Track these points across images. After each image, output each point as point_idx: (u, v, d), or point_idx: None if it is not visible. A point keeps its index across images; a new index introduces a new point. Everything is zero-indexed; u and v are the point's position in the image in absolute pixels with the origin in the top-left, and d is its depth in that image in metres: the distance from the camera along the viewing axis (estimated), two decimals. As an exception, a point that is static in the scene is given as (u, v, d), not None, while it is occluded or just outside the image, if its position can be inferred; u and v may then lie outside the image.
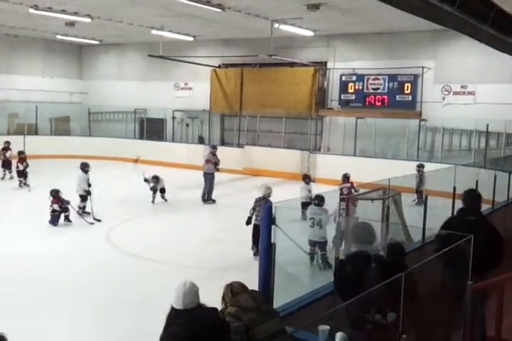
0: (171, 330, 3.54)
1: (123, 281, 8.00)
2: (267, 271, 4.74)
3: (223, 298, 4.11)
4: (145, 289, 7.63)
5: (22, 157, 15.67)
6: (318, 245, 8.46)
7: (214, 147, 15.39)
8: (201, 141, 21.89)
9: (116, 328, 6.36)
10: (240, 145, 20.60)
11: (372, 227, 4.79)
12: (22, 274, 8.06)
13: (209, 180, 14.48)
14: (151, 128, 22.80)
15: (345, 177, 12.50)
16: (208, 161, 14.69)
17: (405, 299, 3.57)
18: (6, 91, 21.58)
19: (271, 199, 9.02)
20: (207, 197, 14.33)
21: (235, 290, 4.09)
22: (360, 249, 4.57)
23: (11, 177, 16.27)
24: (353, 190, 11.58)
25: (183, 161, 20.41)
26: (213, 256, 9.36)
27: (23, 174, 15.38)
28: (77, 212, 11.86)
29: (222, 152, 20.03)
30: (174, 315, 3.62)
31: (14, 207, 12.73)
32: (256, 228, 8.83)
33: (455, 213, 6.36)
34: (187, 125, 22.49)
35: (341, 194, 11.08)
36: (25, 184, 15.30)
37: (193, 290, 3.67)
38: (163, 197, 13.95)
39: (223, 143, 21.84)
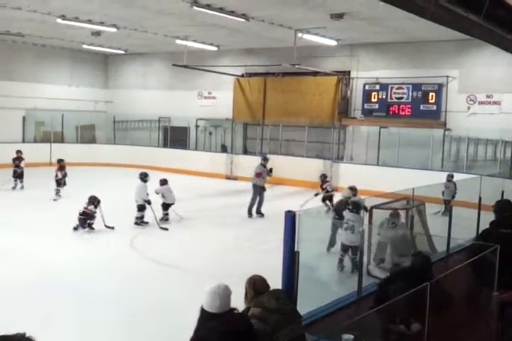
0: (201, 334, 3.50)
1: (149, 288, 8.04)
2: (291, 279, 4.74)
3: (246, 295, 4.10)
4: (170, 296, 7.66)
5: (62, 165, 15.23)
6: (350, 249, 8.56)
7: (265, 159, 14.44)
8: (224, 149, 22.02)
9: (143, 334, 6.40)
10: (262, 154, 20.61)
11: (413, 238, 4.72)
12: (51, 281, 8.13)
13: (257, 192, 13.73)
14: (175, 137, 23.00)
15: (325, 177, 14.54)
16: (258, 174, 13.89)
17: (436, 308, 3.53)
18: (34, 99, 21.99)
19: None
20: (256, 211, 13.70)
21: (257, 287, 4.07)
22: (402, 261, 4.48)
23: (22, 187, 16.03)
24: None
25: (205, 169, 20.55)
26: (237, 265, 9.32)
27: (60, 183, 14.98)
28: (135, 223, 12.04)
29: (244, 161, 20.25)
30: (206, 318, 3.57)
31: (43, 215, 12.72)
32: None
33: (487, 225, 6.22)
34: (210, 133, 22.62)
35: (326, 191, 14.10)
36: (57, 193, 14.93)
37: (226, 293, 3.62)
38: (175, 212, 12.65)
39: (246, 152, 21.93)
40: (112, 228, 11.53)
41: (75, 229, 11.35)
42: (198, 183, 18.72)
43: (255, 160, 19.28)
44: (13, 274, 8.32)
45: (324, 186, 14.23)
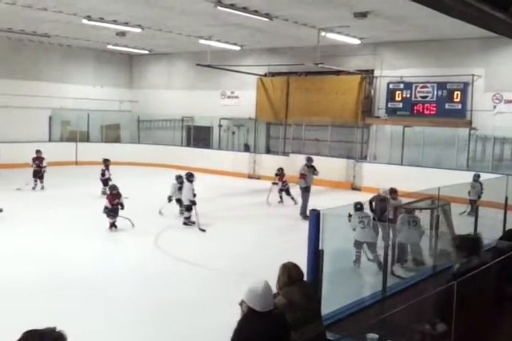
0: (247, 335, 3.45)
1: (175, 287, 8.06)
2: (315, 278, 4.75)
3: (278, 280, 4.09)
4: (197, 295, 7.66)
5: (107, 164, 15.40)
6: (367, 245, 8.68)
7: (309, 159, 14.12)
8: (247, 148, 22.07)
9: (169, 333, 6.43)
10: (285, 154, 20.64)
11: (481, 238, 4.67)
12: (75, 279, 8.22)
13: (303, 193, 13.52)
14: (198, 136, 23.18)
15: (282, 170, 15.22)
16: (301, 175, 13.64)
17: (463, 309, 3.49)
18: (60, 99, 22.33)
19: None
20: (300, 212, 13.34)
21: (291, 275, 4.05)
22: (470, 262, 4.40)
23: (42, 188, 15.96)
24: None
25: (228, 169, 20.63)
26: (260, 263, 9.33)
27: (106, 182, 14.99)
28: (184, 223, 12.20)
29: (267, 160, 20.27)
30: (250, 317, 3.49)
31: (64, 215, 12.76)
32: None
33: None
34: (233, 133, 22.71)
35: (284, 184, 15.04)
36: (104, 192, 14.77)
37: (270, 291, 3.55)
38: (182, 211, 12.83)
39: (269, 151, 21.96)
40: (128, 219, 11.59)
41: (111, 226, 11.52)
42: (220, 182, 18.80)
43: (278, 160, 19.41)
44: (36, 274, 8.35)
45: (284, 179, 15.06)
